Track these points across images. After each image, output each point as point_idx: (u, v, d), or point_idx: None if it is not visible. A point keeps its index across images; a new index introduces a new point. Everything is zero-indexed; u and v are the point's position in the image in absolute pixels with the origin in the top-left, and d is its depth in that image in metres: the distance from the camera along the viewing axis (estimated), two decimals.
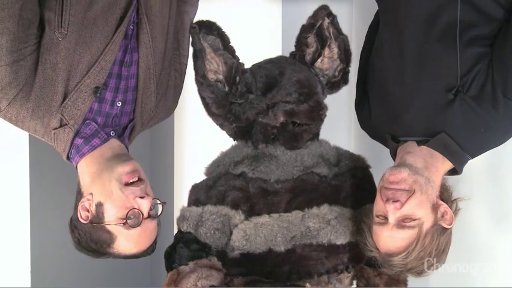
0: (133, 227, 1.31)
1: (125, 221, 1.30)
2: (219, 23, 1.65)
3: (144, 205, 1.32)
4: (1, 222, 2.08)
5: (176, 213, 1.70)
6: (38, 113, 1.33)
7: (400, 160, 1.47)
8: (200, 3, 1.68)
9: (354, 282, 1.73)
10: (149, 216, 1.34)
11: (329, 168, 1.69)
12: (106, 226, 1.32)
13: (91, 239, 1.34)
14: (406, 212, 1.37)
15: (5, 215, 2.09)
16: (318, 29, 1.71)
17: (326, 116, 1.70)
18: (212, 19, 1.66)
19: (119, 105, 1.43)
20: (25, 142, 2.06)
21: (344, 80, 1.76)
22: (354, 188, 1.67)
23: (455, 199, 1.45)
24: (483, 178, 1.87)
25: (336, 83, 1.75)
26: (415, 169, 1.41)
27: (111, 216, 1.31)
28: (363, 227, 1.49)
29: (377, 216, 1.42)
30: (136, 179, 1.34)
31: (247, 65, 1.72)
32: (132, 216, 1.31)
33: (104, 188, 1.32)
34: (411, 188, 1.38)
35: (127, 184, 1.33)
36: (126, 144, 1.46)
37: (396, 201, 1.37)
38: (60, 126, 1.36)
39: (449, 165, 1.46)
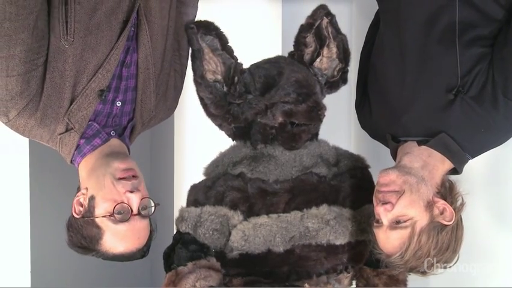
0: (120, 221, 1.31)
1: (111, 213, 1.30)
2: (217, 23, 1.64)
3: (133, 200, 1.32)
4: (1, 222, 2.08)
5: (176, 214, 1.70)
6: (45, 121, 1.33)
7: (397, 161, 1.47)
8: (200, 4, 1.68)
9: (354, 282, 1.73)
10: (139, 214, 1.34)
11: (328, 168, 1.69)
12: (96, 220, 1.32)
13: (82, 235, 1.35)
14: (398, 213, 1.38)
15: (5, 215, 2.09)
16: (317, 29, 1.71)
17: (324, 116, 1.70)
18: (210, 19, 1.65)
19: (118, 104, 1.44)
20: (25, 143, 2.07)
21: (343, 80, 1.76)
22: (354, 188, 1.67)
23: (457, 193, 1.44)
24: (483, 178, 1.87)
25: (335, 83, 1.75)
26: (407, 169, 1.42)
27: (101, 209, 1.32)
28: (372, 231, 1.49)
29: (375, 219, 1.43)
30: (131, 176, 1.35)
31: (247, 65, 1.72)
32: (120, 211, 1.31)
33: (98, 182, 1.34)
34: (400, 189, 1.39)
35: (120, 179, 1.33)
36: (127, 144, 1.47)
37: (386, 203, 1.38)
38: (66, 131, 1.37)
39: (449, 164, 1.46)
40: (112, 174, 1.33)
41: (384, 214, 1.39)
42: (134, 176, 1.35)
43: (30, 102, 1.30)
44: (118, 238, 1.33)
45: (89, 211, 1.33)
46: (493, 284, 1.81)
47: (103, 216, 1.31)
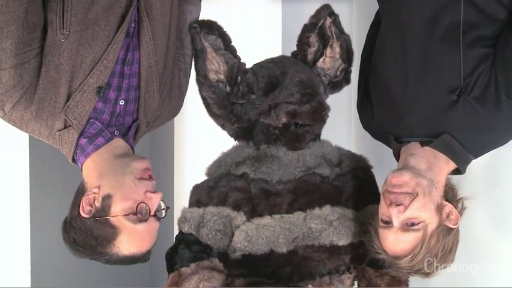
0: (140, 221, 1.31)
1: (134, 212, 1.30)
2: (220, 23, 1.64)
3: (154, 200, 1.32)
4: (1, 222, 2.08)
5: (176, 214, 1.69)
6: (41, 115, 1.33)
7: (403, 162, 1.47)
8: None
9: (356, 282, 1.73)
10: (155, 215, 1.34)
11: (330, 168, 1.69)
12: (111, 219, 1.30)
13: (91, 235, 1.32)
14: (410, 215, 1.37)
15: (5, 215, 2.09)
16: (320, 29, 1.71)
17: (328, 116, 1.69)
18: (213, 18, 1.65)
19: (121, 103, 1.42)
20: (25, 142, 2.06)
21: (346, 80, 1.76)
22: (356, 189, 1.66)
23: (460, 198, 1.45)
24: (483, 178, 1.87)
25: (338, 83, 1.75)
26: (418, 171, 1.41)
27: (118, 208, 1.30)
28: (370, 230, 1.49)
29: (382, 219, 1.43)
30: (149, 177, 1.36)
31: (247, 65, 1.71)
32: (141, 211, 1.31)
33: (116, 180, 1.32)
34: (414, 191, 1.38)
35: (140, 179, 1.33)
36: (131, 144, 1.45)
37: (399, 205, 1.37)
38: (65, 127, 1.36)
39: (452, 165, 1.46)
40: (132, 174, 1.32)
41: (396, 215, 1.37)
42: (151, 177, 1.35)
43: (24, 95, 1.29)
44: (134, 238, 1.32)
45: (103, 210, 1.31)
46: (493, 285, 1.81)
47: (125, 215, 1.30)
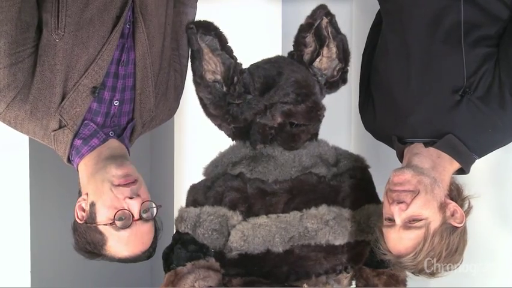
0: (122, 228, 1.30)
1: (112, 221, 1.29)
2: (217, 23, 1.64)
3: (133, 206, 1.31)
4: (1, 222, 2.08)
5: (176, 214, 1.70)
6: (36, 114, 1.33)
7: (407, 161, 1.46)
8: (199, 3, 1.68)
9: (353, 282, 1.73)
10: (141, 218, 1.32)
11: (327, 168, 1.69)
12: (98, 227, 1.31)
13: (86, 240, 1.34)
14: (412, 213, 1.36)
15: (5, 215, 2.09)
16: (317, 29, 1.71)
17: (324, 116, 1.70)
18: (210, 19, 1.65)
19: (116, 104, 1.43)
20: (25, 142, 2.07)
21: (343, 80, 1.76)
22: (353, 189, 1.66)
23: (465, 197, 1.43)
24: (483, 178, 1.86)
25: (334, 83, 1.75)
26: (420, 169, 1.40)
27: (102, 216, 1.31)
28: (376, 231, 1.47)
29: (386, 218, 1.41)
30: (129, 183, 1.33)
31: (247, 65, 1.72)
32: (122, 217, 1.30)
33: (97, 188, 1.32)
34: (415, 189, 1.37)
35: (118, 185, 1.32)
36: (127, 145, 1.46)
37: (401, 203, 1.36)
38: (60, 127, 1.36)
39: (456, 165, 1.45)
40: (109, 181, 1.31)
41: (398, 213, 1.36)
42: (129, 184, 1.33)
43: (18, 95, 1.30)
44: (122, 244, 1.33)
45: (91, 217, 1.32)
46: (493, 284, 1.81)
47: (104, 224, 1.31)
